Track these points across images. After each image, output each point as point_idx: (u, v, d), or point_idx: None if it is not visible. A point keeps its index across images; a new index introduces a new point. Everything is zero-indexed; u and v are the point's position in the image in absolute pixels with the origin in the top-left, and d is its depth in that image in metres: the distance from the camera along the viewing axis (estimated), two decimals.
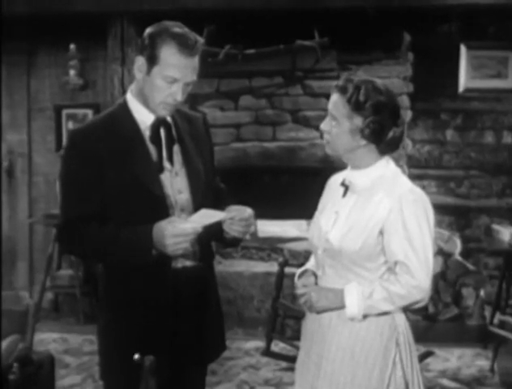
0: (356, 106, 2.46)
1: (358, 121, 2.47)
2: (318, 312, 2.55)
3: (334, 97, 2.50)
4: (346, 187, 2.57)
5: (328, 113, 2.53)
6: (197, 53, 2.50)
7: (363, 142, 2.49)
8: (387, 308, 2.47)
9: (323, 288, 2.56)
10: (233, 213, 2.54)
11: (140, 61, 2.52)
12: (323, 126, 2.55)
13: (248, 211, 2.58)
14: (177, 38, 2.47)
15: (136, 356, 2.39)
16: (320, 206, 2.68)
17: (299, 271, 2.69)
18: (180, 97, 2.52)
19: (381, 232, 2.46)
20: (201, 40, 2.52)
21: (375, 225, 2.46)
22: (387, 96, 2.49)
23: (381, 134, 2.48)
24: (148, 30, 2.54)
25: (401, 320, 2.52)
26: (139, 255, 2.49)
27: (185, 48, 2.46)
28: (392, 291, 2.44)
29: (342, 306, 2.48)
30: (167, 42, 2.47)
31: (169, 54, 2.47)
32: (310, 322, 2.62)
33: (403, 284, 2.44)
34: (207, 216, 2.48)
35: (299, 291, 2.59)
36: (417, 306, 2.51)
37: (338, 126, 2.50)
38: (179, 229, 2.43)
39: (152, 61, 2.49)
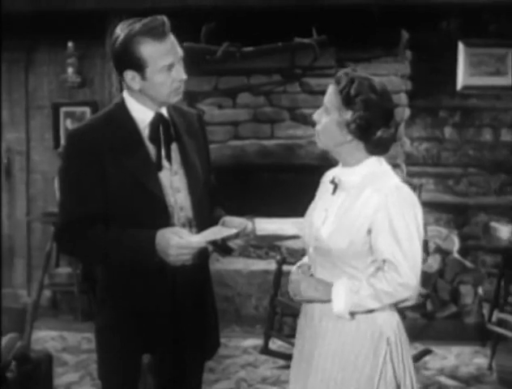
0: (346, 99, 2.44)
1: (347, 114, 2.45)
2: (303, 301, 2.54)
3: (330, 88, 2.50)
4: (335, 185, 2.55)
5: (323, 103, 2.52)
6: (169, 30, 2.51)
7: (349, 137, 2.47)
8: (374, 305, 2.43)
9: (316, 279, 2.53)
10: (237, 230, 2.55)
11: (130, 75, 2.52)
12: (315, 115, 2.54)
13: (249, 226, 2.61)
14: (145, 33, 2.47)
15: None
16: (313, 203, 2.67)
17: (298, 263, 2.67)
18: (184, 75, 2.54)
19: (369, 231, 2.43)
20: (163, 17, 2.52)
21: (362, 224, 2.43)
22: (381, 95, 2.45)
23: (368, 131, 2.45)
24: (117, 47, 2.50)
25: (393, 318, 2.49)
26: (142, 261, 2.50)
27: (158, 35, 2.47)
28: (378, 288, 2.40)
29: (329, 300, 2.45)
30: (140, 42, 2.47)
31: (150, 50, 2.47)
32: (303, 320, 2.61)
33: (389, 281, 2.39)
34: (215, 233, 2.52)
35: (293, 276, 2.59)
36: (405, 305, 2.46)
37: (327, 116, 2.49)
38: (185, 242, 2.43)
39: (141, 66, 2.49)
